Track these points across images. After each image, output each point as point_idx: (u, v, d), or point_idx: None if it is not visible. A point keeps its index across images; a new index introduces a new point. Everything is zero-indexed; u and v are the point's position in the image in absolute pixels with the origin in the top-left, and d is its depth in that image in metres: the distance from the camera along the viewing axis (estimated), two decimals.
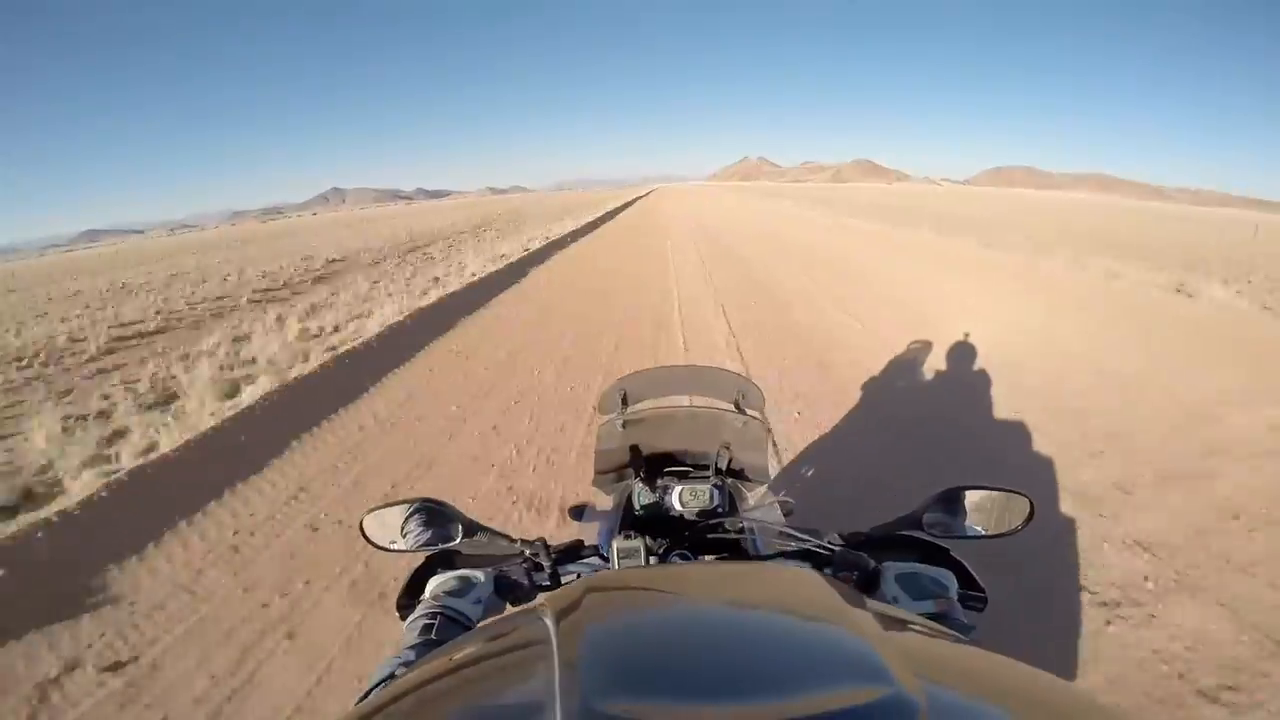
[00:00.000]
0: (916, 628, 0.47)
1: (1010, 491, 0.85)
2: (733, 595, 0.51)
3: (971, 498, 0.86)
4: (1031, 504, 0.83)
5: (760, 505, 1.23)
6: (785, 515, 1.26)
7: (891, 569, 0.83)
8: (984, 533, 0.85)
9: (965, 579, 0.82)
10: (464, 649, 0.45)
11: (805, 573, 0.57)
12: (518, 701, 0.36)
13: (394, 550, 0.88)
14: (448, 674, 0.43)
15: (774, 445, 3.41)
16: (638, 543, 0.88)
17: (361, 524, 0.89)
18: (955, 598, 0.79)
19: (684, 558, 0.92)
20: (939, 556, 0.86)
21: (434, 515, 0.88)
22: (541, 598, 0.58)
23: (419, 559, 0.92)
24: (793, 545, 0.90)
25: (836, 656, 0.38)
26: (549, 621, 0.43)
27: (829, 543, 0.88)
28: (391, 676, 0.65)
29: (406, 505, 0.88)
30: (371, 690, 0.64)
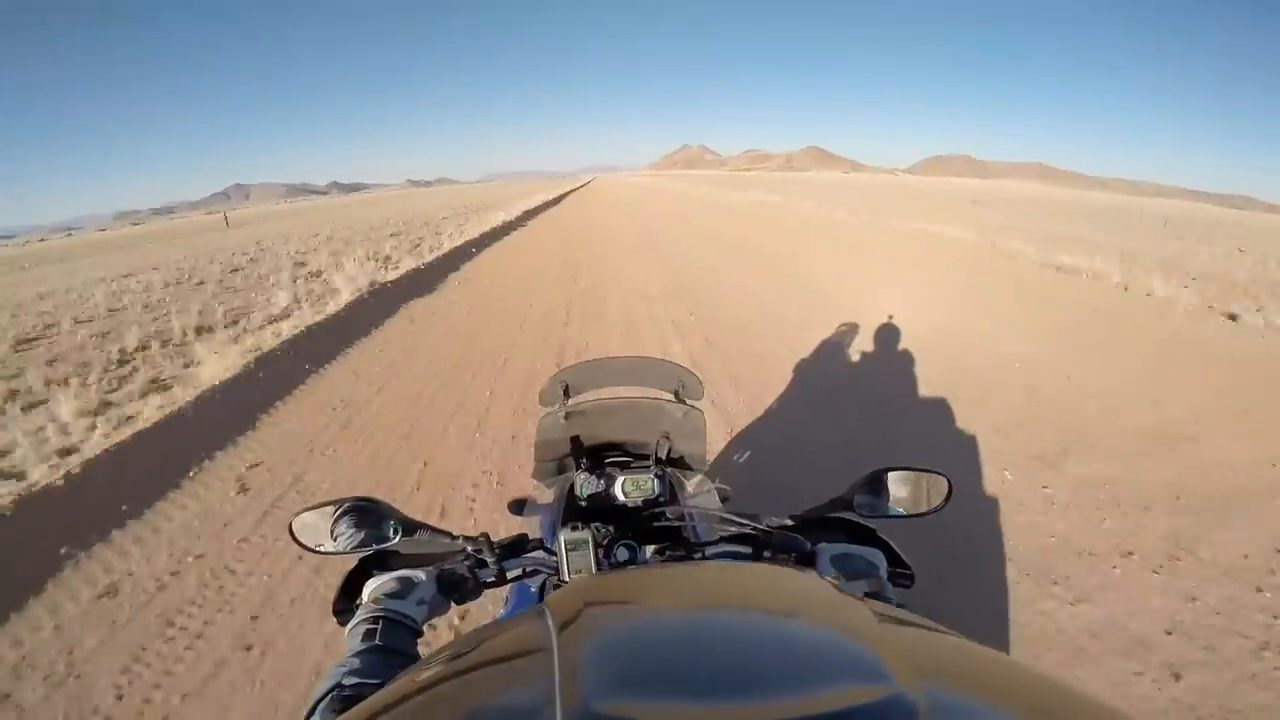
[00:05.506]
0: (916, 626, 0.48)
1: (930, 472, 0.89)
2: (733, 596, 0.51)
3: (894, 479, 0.90)
4: (949, 483, 0.88)
5: (700, 492, 1.26)
6: (723, 501, 1.29)
7: (826, 550, 0.86)
8: (906, 512, 0.89)
9: (893, 557, 0.86)
10: (463, 651, 0.45)
11: (805, 573, 0.58)
12: (518, 703, 0.36)
13: (324, 553, 0.84)
14: (447, 677, 0.42)
15: None
16: (585, 534, 0.88)
17: (291, 527, 0.85)
18: (885, 576, 0.84)
19: (630, 547, 0.93)
20: (868, 536, 0.90)
21: (366, 515, 0.85)
22: (542, 598, 0.57)
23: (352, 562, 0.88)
24: (733, 530, 0.93)
25: (836, 657, 0.39)
26: (549, 622, 0.42)
27: (766, 526, 0.90)
28: (338, 686, 0.63)
29: (335, 506, 0.85)
30: (318, 704, 0.62)
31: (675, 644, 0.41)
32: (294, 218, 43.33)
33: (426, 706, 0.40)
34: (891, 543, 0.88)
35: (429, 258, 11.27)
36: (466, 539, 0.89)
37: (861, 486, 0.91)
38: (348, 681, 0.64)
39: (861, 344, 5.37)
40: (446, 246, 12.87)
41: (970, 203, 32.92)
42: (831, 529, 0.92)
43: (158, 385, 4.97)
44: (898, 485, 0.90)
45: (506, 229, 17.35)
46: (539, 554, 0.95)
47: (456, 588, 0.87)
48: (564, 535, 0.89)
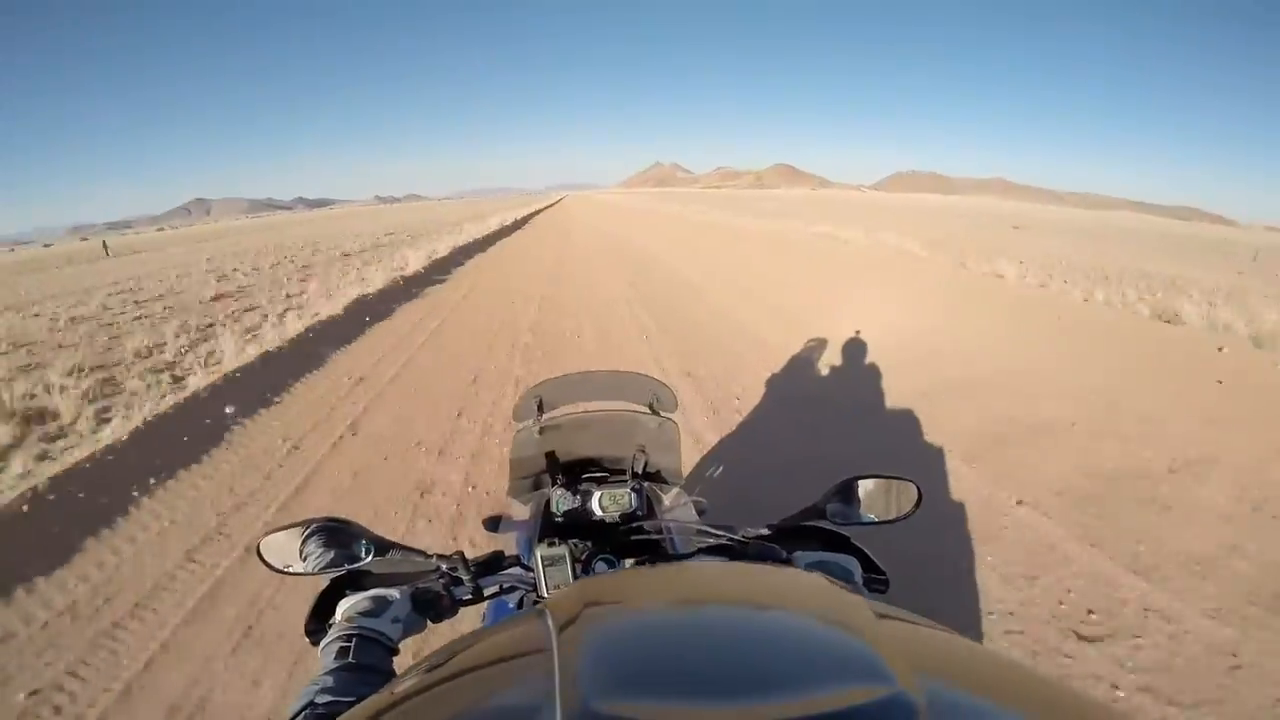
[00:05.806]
0: (917, 626, 0.47)
1: (899, 479, 0.91)
2: (733, 596, 0.51)
3: (865, 487, 0.91)
4: (919, 490, 0.89)
5: (677, 505, 1.26)
6: (700, 514, 1.30)
7: (802, 558, 0.87)
8: (878, 519, 0.91)
9: (867, 564, 0.88)
10: (463, 651, 0.44)
11: (805, 574, 0.58)
12: (518, 704, 0.36)
13: (294, 574, 0.82)
14: (448, 677, 0.42)
15: None
16: (562, 549, 0.88)
17: (258, 548, 0.82)
18: (861, 582, 0.85)
19: (608, 561, 0.93)
20: (842, 544, 0.91)
21: (335, 535, 0.82)
22: (544, 600, 0.56)
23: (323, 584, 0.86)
24: (710, 541, 0.93)
25: (837, 656, 0.39)
26: (549, 623, 0.42)
27: (743, 536, 0.91)
28: (311, 704, 0.62)
29: (303, 527, 0.82)
30: None
31: (677, 644, 0.41)
32: (212, 241, 35.34)
33: (427, 706, 0.39)
34: (865, 549, 0.89)
35: (184, 393, 4.48)
36: (441, 557, 0.87)
37: (833, 495, 0.91)
38: (321, 700, 0.62)
39: None
40: (277, 338, 5.96)
41: (1011, 228, 28.56)
42: (806, 538, 0.93)
43: None
44: (868, 493, 0.91)
45: (429, 276, 10.75)
46: (516, 570, 0.94)
47: (432, 605, 0.85)
48: (540, 551, 0.88)
